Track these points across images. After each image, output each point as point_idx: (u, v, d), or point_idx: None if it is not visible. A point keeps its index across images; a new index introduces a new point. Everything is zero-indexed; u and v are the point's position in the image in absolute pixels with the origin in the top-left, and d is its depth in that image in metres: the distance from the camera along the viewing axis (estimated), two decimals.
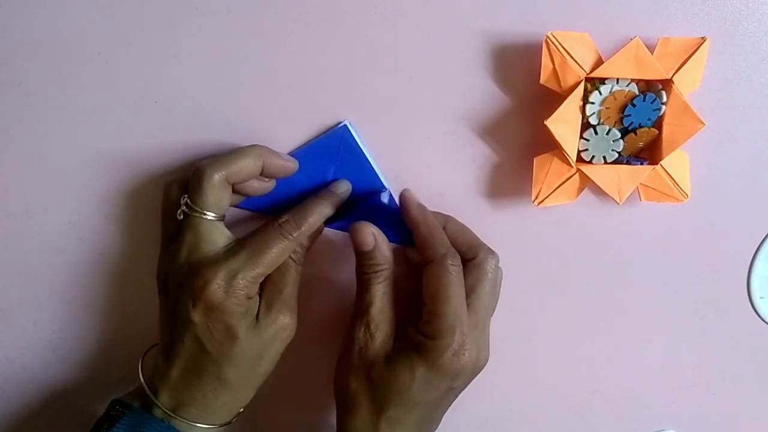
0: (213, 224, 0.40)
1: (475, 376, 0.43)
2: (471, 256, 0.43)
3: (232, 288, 0.38)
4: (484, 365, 0.43)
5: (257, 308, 0.40)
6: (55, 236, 0.45)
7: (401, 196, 0.43)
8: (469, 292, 0.41)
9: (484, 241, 0.44)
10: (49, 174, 0.44)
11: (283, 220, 0.41)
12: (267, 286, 0.41)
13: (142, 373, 0.42)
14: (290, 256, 0.41)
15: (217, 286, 0.38)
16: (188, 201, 0.40)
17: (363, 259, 0.42)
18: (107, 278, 0.46)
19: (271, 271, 0.40)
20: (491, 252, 0.43)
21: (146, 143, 0.43)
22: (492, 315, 0.44)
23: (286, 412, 0.51)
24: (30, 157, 0.43)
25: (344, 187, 0.43)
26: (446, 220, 0.44)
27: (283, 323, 0.41)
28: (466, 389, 0.43)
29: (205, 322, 0.39)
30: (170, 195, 0.41)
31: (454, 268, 0.40)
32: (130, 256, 0.46)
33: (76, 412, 0.49)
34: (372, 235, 0.42)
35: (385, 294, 0.42)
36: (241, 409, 0.43)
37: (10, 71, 0.41)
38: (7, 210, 0.44)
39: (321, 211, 0.42)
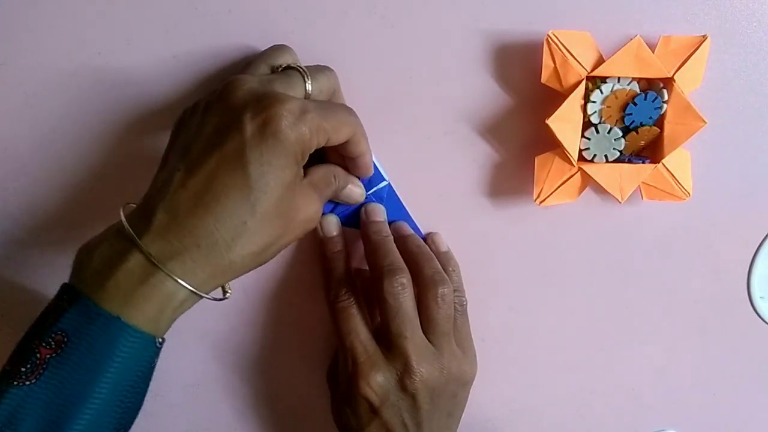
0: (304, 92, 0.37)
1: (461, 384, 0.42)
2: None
3: (301, 121, 0.34)
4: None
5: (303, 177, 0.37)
6: (55, 236, 0.45)
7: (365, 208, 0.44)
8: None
9: (486, 241, 0.43)
10: (49, 174, 0.43)
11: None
12: (321, 171, 0.39)
13: (123, 211, 0.35)
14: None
15: (287, 111, 0.34)
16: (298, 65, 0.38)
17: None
18: None
19: (338, 139, 0.37)
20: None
21: (147, 144, 0.43)
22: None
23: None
24: (30, 157, 0.43)
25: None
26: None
27: (313, 211, 0.38)
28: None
29: (257, 138, 0.34)
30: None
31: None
32: None
33: None
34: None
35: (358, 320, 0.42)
36: (228, 291, 0.39)
37: (10, 71, 0.41)
38: (7, 210, 0.44)
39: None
